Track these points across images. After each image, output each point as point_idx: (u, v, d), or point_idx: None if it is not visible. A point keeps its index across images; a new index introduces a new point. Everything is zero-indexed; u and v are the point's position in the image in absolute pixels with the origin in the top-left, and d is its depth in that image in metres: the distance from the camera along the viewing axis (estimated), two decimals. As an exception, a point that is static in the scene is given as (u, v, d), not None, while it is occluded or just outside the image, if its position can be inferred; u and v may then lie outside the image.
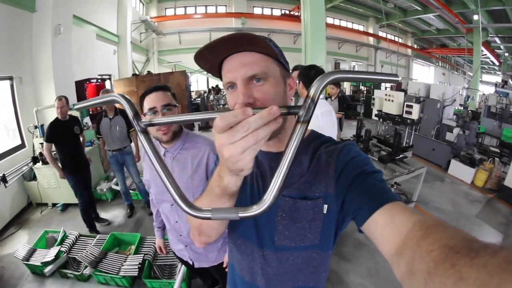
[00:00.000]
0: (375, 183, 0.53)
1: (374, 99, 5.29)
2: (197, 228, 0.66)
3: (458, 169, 4.72)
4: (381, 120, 4.74)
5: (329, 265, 0.71)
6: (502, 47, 13.53)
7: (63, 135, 2.73)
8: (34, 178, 3.56)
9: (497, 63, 15.81)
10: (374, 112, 4.94)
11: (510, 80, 11.81)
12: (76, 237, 2.64)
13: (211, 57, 0.55)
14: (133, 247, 2.53)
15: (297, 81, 1.90)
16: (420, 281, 0.30)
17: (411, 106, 4.03)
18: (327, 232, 0.61)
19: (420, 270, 0.30)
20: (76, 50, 4.91)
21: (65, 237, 2.65)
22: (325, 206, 0.59)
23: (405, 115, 4.16)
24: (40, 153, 3.44)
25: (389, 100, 4.45)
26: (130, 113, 0.40)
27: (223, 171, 0.45)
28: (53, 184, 3.45)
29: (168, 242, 1.55)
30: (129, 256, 2.35)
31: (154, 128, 1.08)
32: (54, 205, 3.62)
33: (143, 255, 2.34)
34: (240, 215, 0.37)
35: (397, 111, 4.32)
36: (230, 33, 0.49)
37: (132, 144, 3.27)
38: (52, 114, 3.80)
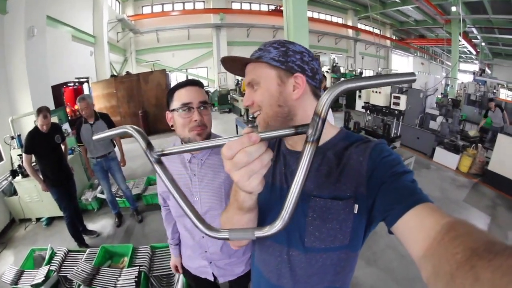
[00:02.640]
0: (407, 183, 0.52)
1: (360, 91, 5.34)
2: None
3: (443, 156, 4.90)
4: (368, 111, 4.82)
5: (355, 265, 0.71)
6: (479, 37, 14.10)
7: (43, 146, 2.55)
8: (14, 193, 3.34)
9: (474, 53, 16.50)
10: (360, 104, 5.02)
11: (487, 68, 12.37)
12: (65, 253, 2.49)
13: (230, 67, 0.70)
14: (126, 259, 2.42)
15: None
16: (443, 283, 0.30)
17: (398, 98, 4.12)
18: (357, 233, 0.62)
19: (444, 272, 0.31)
20: (51, 52, 4.64)
21: (53, 254, 2.50)
22: (356, 206, 0.59)
23: (393, 106, 4.25)
24: (19, 166, 3.23)
25: (376, 92, 4.53)
26: (142, 145, 0.39)
27: (236, 188, 0.49)
28: (35, 197, 3.25)
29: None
30: (124, 269, 2.25)
31: (186, 128, 0.97)
32: (38, 219, 3.42)
33: (138, 267, 2.24)
34: (256, 235, 0.38)
35: (385, 102, 4.41)
36: (230, 56, 0.65)
37: (116, 149, 3.12)
38: (29, 123, 3.58)
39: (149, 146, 0.39)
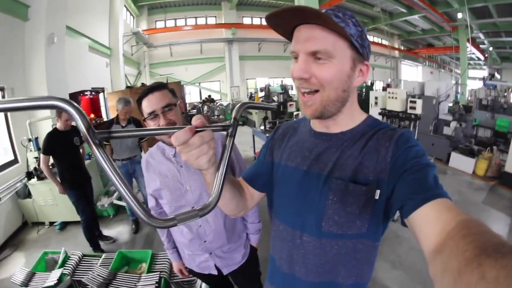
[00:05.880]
0: (428, 176, 0.50)
1: (376, 98, 5.45)
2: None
3: (459, 161, 4.84)
4: (385, 117, 4.78)
5: (375, 259, 0.67)
6: (486, 42, 14.07)
7: (62, 147, 2.56)
8: (28, 195, 3.34)
9: (482, 58, 16.50)
10: (377, 111, 5.01)
11: (496, 73, 12.29)
12: (79, 257, 2.43)
13: (282, 22, 0.55)
14: (145, 264, 2.35)
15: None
16: (450, 280, 0.30)
17: (414, 102, 4.09)
18: (376, 220, 0.60)
19: (452, 268, 0.31)
20: (69, 61, 4.77)
21: (66, 258, 2.45)
22: (377, 192, 0.57)
23: (409, 111, 4.20)
24: (35, 168, 3.25)
25: (392, 97, 4.52)
26: (82, 126, 0.34)
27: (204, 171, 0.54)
28: (49, 201, 3.24)
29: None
30: (142, 275, 2.18)
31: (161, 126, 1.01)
32: (51, 223, 3.40)
33: (158, 272, 2.17)
34: (199, 214, 0.43)
35: (401, 107, 4.37)
36: (296, 6, 0.49)
37: (143, 153, 3.13)
38: (46, 126, 3.64)
39: (90, 128, 0.35)
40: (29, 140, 3.42)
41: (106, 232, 3.15)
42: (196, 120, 0.46)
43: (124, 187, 0.37)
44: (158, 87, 1.07)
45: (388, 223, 0.63)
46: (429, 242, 0.41)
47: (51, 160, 2.61)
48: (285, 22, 0.55)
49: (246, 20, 13.03)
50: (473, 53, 15.19)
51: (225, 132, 0.49)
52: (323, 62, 0.54)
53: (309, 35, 0.54)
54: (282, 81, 11.17)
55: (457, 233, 0.36)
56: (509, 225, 3.09)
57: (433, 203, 0.45)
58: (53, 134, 2.54)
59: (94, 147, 0.36)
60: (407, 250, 2.55)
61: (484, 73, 12.88)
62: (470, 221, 0.38)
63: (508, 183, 4.03)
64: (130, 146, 2.90)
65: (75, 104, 0.33)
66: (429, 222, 0.44)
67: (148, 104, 1.03)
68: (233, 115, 0.51)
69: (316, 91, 0.57)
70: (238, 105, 0.53)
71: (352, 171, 0.59)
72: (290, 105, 6.39)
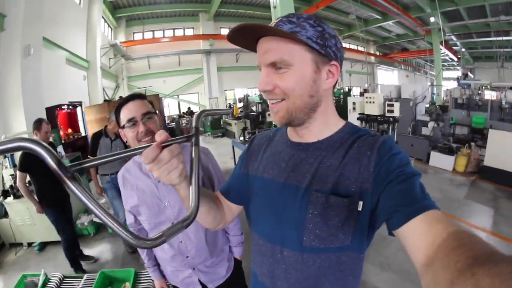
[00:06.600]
0: (415, 186, 0.49)
1: (354, 103, 5.60)
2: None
3: (439, 159, 5.02)
4: (363, 122, 4.92)
5: (361, 271, 0.65)
6: (458, 43, 15.00)
7: (41, 163, 2.45)
8: (5, 215, 3.16)
9: (455, 59, 17.48)
10: (355, 115, 5.14)
11: (469, 72, 13.06)
12: (60, 279, 2.32)
13: (243, 39, 0.56)
14: (128, 284, 2.27)
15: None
16: None
17: (392, 105, 4.24)
18: (360, 232, 0.57)
19: (444, 279, 0.31)
20: (45, 74, 4.64)
21: (47, 280, 2.33)
22: (360, 203, 0.54)
23: (387, 114, 4.36)
24: (11, 186, 3.09)
25: (370, 102, 4.66)
26: (52, 163, 0.33)
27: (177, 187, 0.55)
28: (27, 220, 3.08)
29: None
30: (126, 293, 2.11)
31: (135, 140, 1.00)
32: (30, 244, 3.22)
33: (142, 290, 2.11)
34: (184, 224, 0.44)
35: (379, 111, 4.52)
36: (243, 24, 0.50)
37: None
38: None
39: (60, 163, 0.34)
40: (4, 156, 3.26)
41: (87, 251, 3.01)
42: (160, 136, 0.46)
43: (107, 217, 0.36)
44: (138, 95, 1.07)
45: (373, 234, 0.60)
46: (420, 255, 0.41)
47: (28, 178, 2.49)
48: (248, 38, 0.56)
49: (224, 31, 13.19)
50: (447, 55, 16.08)
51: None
52: (283, 71, 0.54)
53: (266, 47, 0.54)
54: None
55: (448, 245, 0.36)
56: (493, 217, 3.21)
57: (422, 216, 0.44)
58: None
59: (68, 181, 0.34)
60: (395, 251, 2.57)
61: (458, 73, 13.65)
62: (461, 233, 0.38)
63: (488, 177, 4.24)
64: (119, 161, 2.80)
65: (41, 142, 0.33)
66: (419, 235, 0.43)
67: (128, 111, 1.01)
68: (193, 124, 0.53)
69: (283, 99, 0.56)
70: (196, 114, 0.56)
71: (332, 182, 0.56)
72: (269, 114, 6.45)
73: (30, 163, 2.40)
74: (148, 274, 2.31)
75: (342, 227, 0.56)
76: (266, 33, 0.54)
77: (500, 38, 11.71)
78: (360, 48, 16.66)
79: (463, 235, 0.37)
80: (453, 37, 13.78)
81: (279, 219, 0.63)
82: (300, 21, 0.53)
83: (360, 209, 0.54)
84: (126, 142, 1.06)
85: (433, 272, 0.35)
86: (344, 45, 16.09)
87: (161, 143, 0.45)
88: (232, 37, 0.55)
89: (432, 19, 10.65)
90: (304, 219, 0.58)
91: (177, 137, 0.49)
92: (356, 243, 0.57)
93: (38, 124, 2.44)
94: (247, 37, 0.55)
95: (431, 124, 5.94)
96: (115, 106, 1.09)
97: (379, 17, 12.69)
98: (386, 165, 0.53)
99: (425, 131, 6.17)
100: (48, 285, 2.25)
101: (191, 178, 0.50)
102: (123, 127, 1.03)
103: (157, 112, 1.10)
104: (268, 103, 0.60)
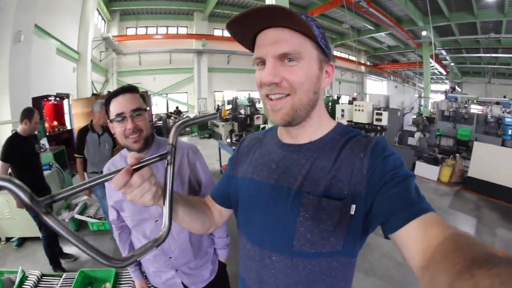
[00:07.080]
0: (410, 188, 0.49)
1: (343, 110, 5.68)
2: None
3: (424, 169, 5.14)
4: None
5: (352, 276, 0.64)
6: (448, 58, 15.56)
7: (24, 153, 2.34)
8: (-18, 209, 3.01)
9: (444, 73, 18.10)
10: (343, 122, 5.23)
11: (457, 87, 13.56)
12: (38, 277, 2.24)
13: (244, 27, 0.53)
14: (109, 284, 2.21)
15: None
16: None
17: (380, 114, 4.34)
18: (352, 236, 0.55)
19: (443, 282, 0.30)
20: (35, 63, 4.47)
21: (24, 278, 2.24)
22: (353, 206, 0.53)
23: (375, 122, 4.46)
24: (-10, 179, 2.95)
25: (359, 110, 4.76)
26: (25, 198, 0.32)
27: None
28: (6, 214, 2.95)
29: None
30: (106, 294, 2.05)
31: (123, 135, 0.98)
32: (8, 239, 3.09)
33: (123, 292, 2.06)
34: (155, 244, 0.44)
35: (367, 119, 4.62)
36: (266, 4, 0.47)
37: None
38: (5, 130, 3.35)
39: (33, 198, 0.33)
40: (-15, 147, 3.12)
41: (67, 249, 2.89)
42: (131, 158, 0.44)
43: (82, 244, 0.36)
44: (130, 89, 1.03)
45: (366, 238, 0.59)
46: (417, 258, 0.41)
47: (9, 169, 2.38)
48: (249, 27, 0.53)
49: (217, 32, 13.12)
50: (436, 68, 16.64)
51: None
52: (293, 64, 0.52)
53: (277, 37, 0.51)
54: (249, 94, 11.20)
55: (446, 248, 0.36)
56: (476, 226, 3.34)
57: (419, 219, 0.44)
58: (14, 139, 2.31)
59: (43, 216, 0.34)
60: (379, 257, 2.61)
61: (446, 86, 14.10)
62: (458, 235, 0.38)
63: (471, 187, 4.39)
64: (107, 156, 2.66)
65: (12, 179, 0.32)
66: (415, 238, 0.43)
67: (118, 105, 0.98)
68: (170, 141, 0.47)
69: (287, 95, 0.54)
70: (174, 128, 0.48)
71: (324, 185, 0.55)
72: (257, 117, 6.47)
73: (14, 153, 2.29)
74: (129, 274, 2.26)
75: (334, 231, 0.54)
76: (287, 19, 0.49)
77: (488, 55, 12.18)
78: (351, 57, 16.95)
79: (461, 237, 0.37)
80: (443, 52, 14.26)
81: (268, 222, 0.61)
82: (308, 20, 0.53)
83: (352, 212, 0.53)
84: (114, 134, 1.03)
85: (431, 275, 0.35)
86: (336, 53, 16.36)
87: (131, 167, 0.44)
88: (236, 22, 0.52)
89: (424, 33, 10.98)
90: (295, 222, 0.56)
91: (150, 157, 0.46)
92: (348, 247, 0.56)
93: (29, 113, 2.33)
94: (249, 26, 0.52)
95: (417, 135, 6.09)
96: (104, 99, 1.06)
97: (372, 28, 12.96)
98: (380, 168, 0.52)
99: (412, 141, 6.27)
100: (26, 283, 2.17)
101: (164, 199, 0.47)
102: (111, 121, 1.00)
103: (147, 108, 1.07)
104: (265, 100, 0.56)
